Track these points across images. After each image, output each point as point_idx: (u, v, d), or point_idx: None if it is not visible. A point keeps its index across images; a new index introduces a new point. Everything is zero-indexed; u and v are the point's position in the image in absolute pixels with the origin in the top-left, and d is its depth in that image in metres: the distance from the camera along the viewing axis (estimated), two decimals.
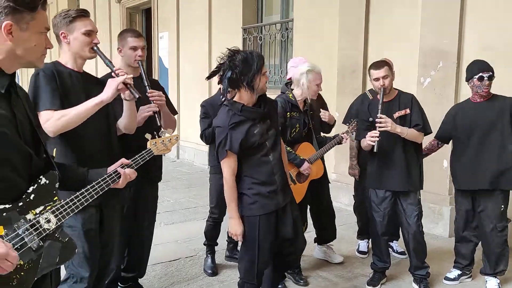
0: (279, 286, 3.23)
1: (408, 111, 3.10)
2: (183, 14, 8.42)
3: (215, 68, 2.48)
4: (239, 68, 2.35)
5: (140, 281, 3.14)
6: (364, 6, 5.07)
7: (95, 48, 2.21)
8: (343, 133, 3.42)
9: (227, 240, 3.73)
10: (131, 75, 2.18)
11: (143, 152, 2.05)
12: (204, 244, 3.63)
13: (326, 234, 3.76)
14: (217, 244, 3.62)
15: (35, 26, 1.43)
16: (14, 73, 1.51)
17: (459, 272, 3.37)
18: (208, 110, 3.37)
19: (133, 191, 2.80)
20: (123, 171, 1.85)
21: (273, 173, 2.52)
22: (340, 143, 3.42)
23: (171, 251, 3.94)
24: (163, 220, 4.75)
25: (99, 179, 1.73)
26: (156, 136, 2.18)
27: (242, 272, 2.60)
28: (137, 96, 2.16)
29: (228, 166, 2.44)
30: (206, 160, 8.11)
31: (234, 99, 2.46)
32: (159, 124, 2.64)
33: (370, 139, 3.00)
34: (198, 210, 5.14)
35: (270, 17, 7.07)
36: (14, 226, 1.40)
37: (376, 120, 2.97)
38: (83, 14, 2.22)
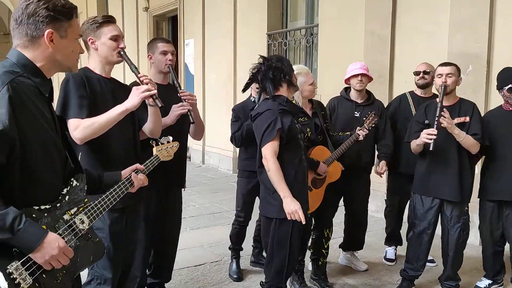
0: None
1: (468, 119, 2.99)
2: (209, 20, 8.51)
3: (249, 79, 2.64)
4: (279, 66, 2.53)
5: (166, 285, 3.17)
6: (390, 9, 5.01)
7: (121, 52, 2.25)
8: (359, 129, 3.26)
9: (252, 245, 3.73)
10: (155, 87, 2.18)
11: (152, 158, 2.11)
12: (229, 248, 3.64)
13: (353, 242, 3.72)
14: (242, 249, 3.62)
15: (72, 33, 1.53)
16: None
17: (489, 281, 3.27)
18: (239, 113, 3.41)
19: (158, 196, 2.83)
20: (136, 177, 1.90)
21: (305, 176, 2.57)
22: (357, 140, 3.27)
23: (197, 256, 3.97)
24: (189, 225, 4.79)
25: (118, 184, 1.79)
26: (160, 143, 2.21)
27: (270, 275, 2.58)
28: (160, 105, 2.19)
29: (273, 147, 2.44)
30: (231, 166, 8.19)
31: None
32: (192, 121, 2.70)
33: (427, 137, 2.86)
34: (223, 215, 5.16)
35: (295, 22, 7.07)
36: (55, 226, 1.46)
37: (438, 118, 2.86)
38: (109, 20, 2.27)
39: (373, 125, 3.33)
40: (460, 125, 2.98)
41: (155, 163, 2.11)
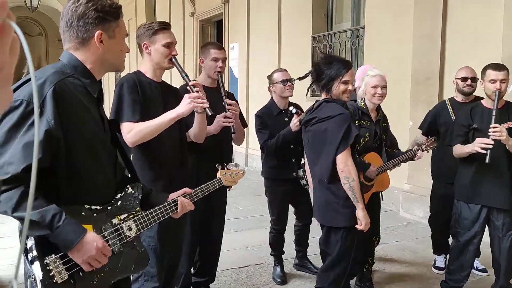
0: None
1: None
2: (253, 24, 8.59)
3: (306, 75, 2.77)
4: (324, 68, 2.49)
5: (212, 285, 3.22)
6: (441, 9, 4.84)
7: (173, 59, 2.32)
8: (417, 149, 3.20)
9: (295, 249, 3.71)
10: (204, 94, 2.23)
11: (214, 180, 2.07)
12: (271, 255, 3.64)
13: None
14: (283, 253, 3.61)
15: (119, 33, 1.56)
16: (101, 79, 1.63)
17: None
18: (266, 120, 3.34)
19: (204, 197, 2.88)
20: (182, 202, 1.81)
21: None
22: (412, 159, 3.20)
23: (241, 257, 4.00)
24: (233, 227, 4.84)
25: (164, 204, 1.72)
26: (226, 168, 2.18)
27: (328, 281, 2.55)
28: (211, 114, 2.24)
29: (350, 154, 2.38)
30: None
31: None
32: (233, 132, 2.73)
33: (481, 146, 2.70)
34: (266, 218, 5.14)
35: (340, 24, 6.99)
36: (101, 227, 1.48)
37: (490, 129, 2.71)
38: (165, 27, 2.35)
39: (431, 148, 3.28)
40: (509, 130, 2.81)
41: (216, 186, 2.06)
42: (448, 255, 3.73)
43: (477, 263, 3.72)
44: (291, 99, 3.51)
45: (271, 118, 3.35)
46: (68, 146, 1.40)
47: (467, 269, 3.06)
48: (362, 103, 3.11)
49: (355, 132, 2.38)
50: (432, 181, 3.82)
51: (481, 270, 3.67)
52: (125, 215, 1.55)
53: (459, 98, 3.58)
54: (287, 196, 3.38)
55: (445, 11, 4.86)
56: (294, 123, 3.13)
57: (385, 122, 3.28)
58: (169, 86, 2.50)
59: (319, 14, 7.08)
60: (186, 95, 2.17)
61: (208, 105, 2.19)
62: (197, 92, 2.20)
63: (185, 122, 2.46)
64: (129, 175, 1.69)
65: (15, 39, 0.52)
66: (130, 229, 1.54)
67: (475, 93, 3.54)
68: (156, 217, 1.66)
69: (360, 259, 2.59)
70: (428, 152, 3.28)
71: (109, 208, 1.51)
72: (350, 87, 2.46)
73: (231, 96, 3.10)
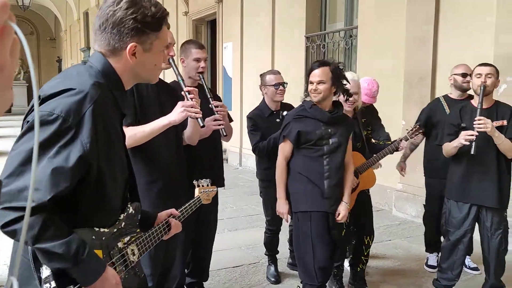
0: None
1: (505, 122, 2.87)
2: (247, 23, 8.59)
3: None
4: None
5: (205, 285, 3.22)
6: (433, 10, 4.88)
7: (170, 60, 2.28)
8: (400, 139, 3.20)
9: (289, 249, 3.73)
10: (198, 102, 2.23)
11: (195, 199, 2.01)
12: (266, 254, 3.65)
13: None
14: (278, 253, 3.63)
15: (158, 46, 1.37)
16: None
17: None
18: (257, 122, 3.34)
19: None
20: (176, 224, 1.72)
21: (323, 177, 2.61)
22: (396, 150, 3.19)
23: (235, 257, 4.01)
24: (227, 227, 4.85)
25: (157, 227, 1.61)
26: (201, 185, 2.15)
27: (302, 275, 2.67)
28: (202, 125, 2.23)
29: (283, 150, 2.71)
30: None
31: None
32: (224, 135, 2.73)
33: (466, 138, 2.76)
34: (260, 218, 5.17)
35: (333, 24, 7.02)
36: (110, 253, 1.34)
37: (475, 121, 2.76)
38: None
39: (416, 135, 3.27)
40: (497, 129, 2.85)
41: (197, 205, 2.02)
42: (440, 254, 3.78)
43: (469, 262, 3.76)
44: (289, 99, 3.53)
45: (263, 120, 3.35)
46: (99, 170, 1.26)
47: (458, 267, 3.08)
48: None
49: (284, 133, 2.68)
50: (424, 179, 3.85)
51: (472, 269, 3.71)
52: (128, 238, 1.42)
53: (454, 95, 3.62)
54: None
55: (437, 12, 4.90)
56: None
57: (364, 118, 3.30)
58: (166, 85, 2.48)
59: (313, 14, 7.10)
60: (180, 103, 2.16)
61: (200, 115, 2.19)
62: (192, 99, 2.19)
63: (181, 124, 2.45)
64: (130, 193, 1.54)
65: (15, 41, 0.52)
66: (133, 253, 1.42)
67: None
68: (153, 240, 1.54)
69: (326, 250, 2.63)
70: (413, 139, 3.27)
71: (115, 230, 1.37)
72: (314, 87, 2.58)
73: (214, 95, 3.07)
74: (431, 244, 3.84)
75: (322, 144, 2.60)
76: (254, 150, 3.37)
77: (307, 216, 2.60)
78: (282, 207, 2.74)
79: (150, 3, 1.32)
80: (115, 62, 1.34)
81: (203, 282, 3.20)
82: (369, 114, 3.44)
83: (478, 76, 2.90)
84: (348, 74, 3.14)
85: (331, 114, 2.64)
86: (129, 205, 1.45)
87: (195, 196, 2.06)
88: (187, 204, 1.92)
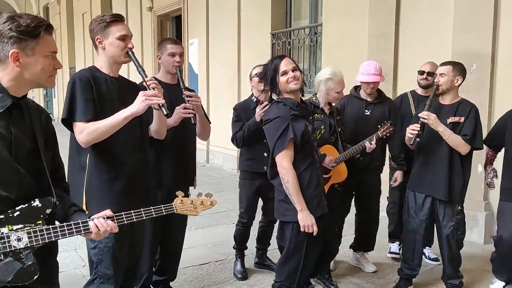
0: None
1: (462, 119, 2.98)
2: (212, 20, 8.54)
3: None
4: (267, 68, 2.53)
5: (172, 283, 3.19)
6: (394, 9, 5.01)
7: (129, 52, 2.23)
8: (368, 140, 3.27)
9: (256, 247, 3.73)
10: (161, 92, 2.16)
11: (162, 206, 1.84)
12: (234, 248, 3.65)
13: (364, 243, 3.73)
14: (246, 248, 3.63)
15: (40, 51, 1.53)
16: (25, 95, 1.59)
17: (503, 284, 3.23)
18: (241, 113, 3.39)
19: (165, 195, 2.84)
20: (97, 223, 1.67)
21: (319, 177, 2.56)
22: (364, 149, 3.27)
23: (201, 254, 3.99)
24: (193, 224, 4.81)
25: (67, 223, 1.62)
26: (180, 196, 1.92)
27: (283, 275, 2.58)
28: (166, 113, 2.15)
29: (289, 156, 2.42)
30: (235, 165, 8.20)
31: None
32: (193, 122, 2.71)
33: (410, 131, 2.93)
34: (228, 215, 5.18)
35: (298, 21, 7.08)
36: None
37: (420, 114, 2.92)
38: (118, 19, 2.24)
39: (387, 135, 3.34)
40: (455, 125, 2.98)
41: (162, 213, 1.84)
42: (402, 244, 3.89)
43: (429, 253, 3.89)
44: None
45: (247, 112, 3.36)
46: None
47: (417, 257, 3.20)
48: (314, 98, 3.18)
49: (290, 135, 2.39)
50: (389, 172, 3.94)
51: (433, 259, 3.84)
52: (20, 226, 1.51)
53: (419, 90, 3.75)
54: (258, 190, 3.39)
55: (398, 12, 5.03)
56: (258, 113, 3.15)
57: (340, 115, 3.37)
58: (127, 82, 2.42)
59: (278, 11, 7.14)
60: (141, 93, 2.12)
61: (163, 102, 2.12)
62: (153, 89, 2.14)
63: (146, 118, 2.40)
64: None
65: None
66: (19, 239, 1.50)
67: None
68: (57, 233, 1.57)
69: (317, 255, 2.60)
70: (384, 137, 3.35)
71: (1, 217, 1.48)
72: (291, 75, 2.45)
73: (190, 91, 3.06)
74: (394, 235, 3.95)
75: (312, 143, 2.54)
76: (232, 140, 3.41)
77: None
78: (308, 219, 2.39)
79: (27, 17, 1.53)
80: (2, 71, 1.53)
81: (170, 282, 3.17)
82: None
83: (436, 75, 3.04)
84: (327, 69, 3.19)
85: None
86: (36, 199, 1.54)
87: (172, 203, 1.88)
88: (145, 209, 1.79)
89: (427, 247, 3.85)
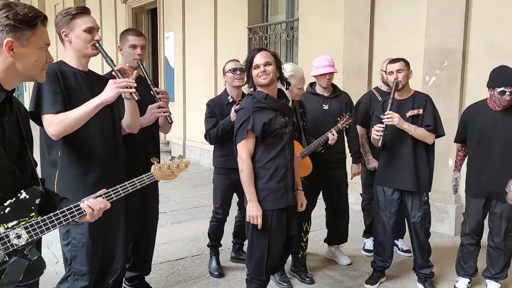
0: (284, 284, 3.27)
1: (421, 111, 3.08)
2: (189, 14, 8.45)
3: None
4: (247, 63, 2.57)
5: (147, 279, 3.17)
6: (369, 5, 5.07)
7: (96, 45, 2.18)
8: (330, 131, 3.30)
9: (232, 241, 3.74)
10: (133, 81, 2.14)
11: (143, 176, 1.86)
12: (208, 246, 3.62)
13: (338, 236, 3.77)
14: (220, 245, 3.62)
15: (35, 42, 1.48)
16: (14, 89, 1.53)
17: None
18: (214, 109, 3.36)
19: (138, 191, 2.81)
20: (89, 204, 1.67)
21: (287, 170, 2.57)
22: (327, 141, 3.29)
23: (178, 250, 3.98)
24: (170, 220, 4.79)
25: (60, 210, 1.60)
26: (161, 161, 2.00)
27: (251, 268, 2.62)
28: (137, 99, 2.14)
29: (246, 147, 2.50)
30: (212, 160, 8.15)
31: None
32: (170, 122, 2.69)
33: (375, 133, 3.02)
34: (204, 210, 5.17)
35: (275, 16, 7.09)
36: None
37: (383, 115, 2.99)
38: (83, 11, 2.20)
39: (347, 126, 3.41)
40: (415, 117, 3.07)
41: (146, 182, 1.86)
42: None
43: (402, 245, 3.98)
44: None
45: (221, 108, 3.34)
46: None
47: (388, 249, 3.29)
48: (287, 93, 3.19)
49: (248, 126, 2.46)
50: (360, 168, 4.00)
51: (405, 251, 3.93)
52: (15, 222, 1.46)
53: (384, 88, 3.81)
54: (233, 185, 3.38)
55: (373, 6, 5.10)
56: (232, 112, 3.15)
57: (302, 108, 3.40)
58: (97, 76, 2.37)
59: (255, 5, 7.12)
60: (111, 81, 2.08)
61: (134, 89, 2.09)
62: (123, 76, 2.11)
63: (118, 112, 2.36)
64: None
65: None
66: (19, 237, 1.46)
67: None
68: (53, 223, 1.55)
69: (281, 246, 2.62)
70: (344, 129, 3.40)
71: None
72: (261, 69, 2.49)
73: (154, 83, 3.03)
74: (369, 230, 4.02)
75: (282, 135, 2.56)
76: (205, 137, 3.39)
77: (269, 214, 2.50)
78: (255, 210, 2.46)
79: (24, 6, 1.47)
80: None
81: (145, 276, 3.15)
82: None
83: (390, 73, 3.11)
84: (288, 65, 3.21)
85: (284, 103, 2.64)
86: (22, 191, 1.49)
87: (150, 172, 1.91)
88: (129, 182, 1.82)
89: (399, 240, 3.94)
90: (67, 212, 1.60)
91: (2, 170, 1.47)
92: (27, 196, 1.50)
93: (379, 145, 3.02)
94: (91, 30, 2.18)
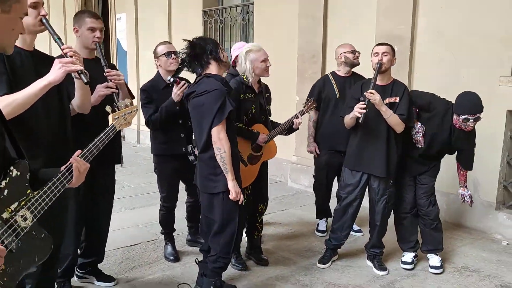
0: (239, 266, 3.31)
1: (397, 99, 3.14)
2: None
3: (180, 64, 2.77)
4: (201, 44, 2.62)
5: (100, 266, 3.12)
6: None
7: (43, 20, 2.08)
8: (295, 116, 3.38)
9: (187, 225, 3.73)
10: (80, 60, 2.08)
11: (107, 129, 1.89)
12: (161, 233, 3.59)
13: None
14: (174, 231, 3.59)
15: (17, 10, 1.36)
16: None
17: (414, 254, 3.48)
18: (151, 94, 3.26)
19: (88, 174, 2.74)
20: (76, 165, 1.65)
21: (238, 152, 2.71)
22: (292, 125, 3.36)
23: (132, 236, 3.93)
24: (124, 205, 4.71)
25: (55, 178, 1.56)
26: (117, 109, 2.04)
27: (220, 246, 2.68)
28: (86, 81, 2.06)
29: (224, 129, 2.55)
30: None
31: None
32: (115, 102, 2.61)
33: (358, 110, 3.00)
34: (158, 195, 5.10)
35: (231, 0, 7.02)
36: None
37: (366, 93, 3.01)
38: None
39: (311, 109, 3.49)
40: (391, 105, 3.15)
41: (111, 135, 1.88)
42: (328, 219, 4.09)
43: (353, 225, 4.12)
44: None
45: (157, 92, 3.27)
46: None
47: (346, 229, 3.41)
48: (245, 77, 3.17)
49: (229, 107, 2.52)
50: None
51: (356, 231, 4.08)
52: (16, 204, 1.37)
53: (342, 72, 3.87)
54: (177, 172, 3.35)
55: None
56: (175, 93, 3.11)
57: (268, 92, 3.42)
58: (43, 55, 2.25)
59: None
60: (57, 60, 2.00)
61: (81, 69, 2.02)
62: (71, 57, 2.02)
63: (67, 92, 2.27)
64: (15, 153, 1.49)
65: None
66: (25, 219, 1.38)
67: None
68: (51, 194, 1.49)
69: (243, 224, 2.78)
70: (308, 113, 3.47)
71: None
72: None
73: (113, 67, 2.95)
74: (321, 211, 4.14)
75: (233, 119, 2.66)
76: (147, 124, 3.28)
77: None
78: (237, 187, 2.61)
79: None
80: None
81: (98, 264, 3.10)
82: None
83: (376, 54, 3.15)
84: (255, 46, 3.22)
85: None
86: (11, 168, 1.38)
87: (109, 124, 1.93)
88: (97, 138, 1.83)
89: None
90: (62, 178, 1.55)
91: None
92: (19, 173, 1.41)
93: (360, 121, 3.01)
94: (36, 5, 2.06)
